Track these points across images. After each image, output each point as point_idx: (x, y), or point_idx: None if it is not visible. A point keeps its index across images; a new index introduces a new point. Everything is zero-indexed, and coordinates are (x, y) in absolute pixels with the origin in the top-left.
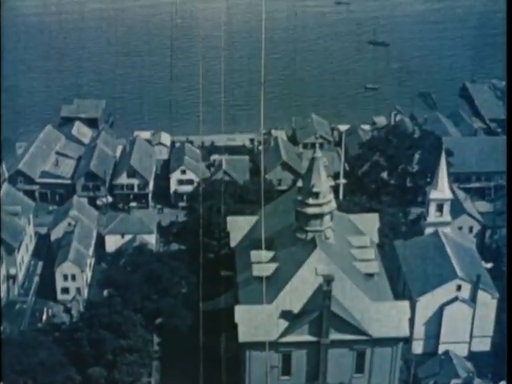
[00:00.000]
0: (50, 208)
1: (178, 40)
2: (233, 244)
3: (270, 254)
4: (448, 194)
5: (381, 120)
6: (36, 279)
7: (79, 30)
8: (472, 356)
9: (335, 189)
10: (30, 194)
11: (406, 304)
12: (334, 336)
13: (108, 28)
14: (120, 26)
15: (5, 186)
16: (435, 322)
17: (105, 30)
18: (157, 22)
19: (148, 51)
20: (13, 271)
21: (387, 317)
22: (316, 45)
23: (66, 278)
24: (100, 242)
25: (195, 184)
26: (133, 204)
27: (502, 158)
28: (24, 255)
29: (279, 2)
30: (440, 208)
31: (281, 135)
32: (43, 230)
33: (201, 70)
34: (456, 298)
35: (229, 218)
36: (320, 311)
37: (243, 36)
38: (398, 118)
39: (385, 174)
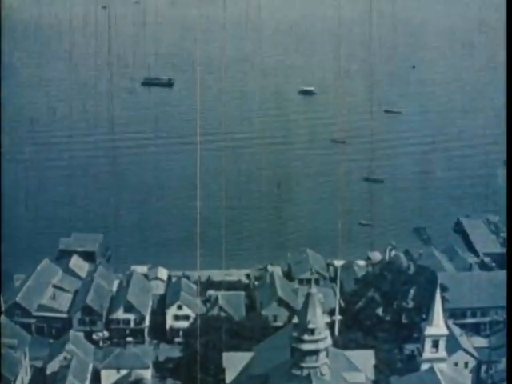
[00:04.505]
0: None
1: (174, 187)
2: (228, 380)
3: None
4: (443, 330)
5: (376, 255)
6: None
7: (80, 158)
8: None
9: (331, 325)
10: (26, 326)
11: None
12: None
13: (105, 161)
14: (117, 165)
15: (2, 318)
16: None
17: (102, 163)
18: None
19: (147, 189)
20: None
21: None
22: (310, 181)
23: None
24: (96, 376)
25: (191, 319)
26: (129, 339)
27: (497, 292)
28: None
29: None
30: (435, 344)
31: (276, 271)
32: (39, 364)
33: (198, 209)
34: None
35: (224, 354)
36: None
37: (239, 180)
38: (393, 253)
39: (380, 310)
